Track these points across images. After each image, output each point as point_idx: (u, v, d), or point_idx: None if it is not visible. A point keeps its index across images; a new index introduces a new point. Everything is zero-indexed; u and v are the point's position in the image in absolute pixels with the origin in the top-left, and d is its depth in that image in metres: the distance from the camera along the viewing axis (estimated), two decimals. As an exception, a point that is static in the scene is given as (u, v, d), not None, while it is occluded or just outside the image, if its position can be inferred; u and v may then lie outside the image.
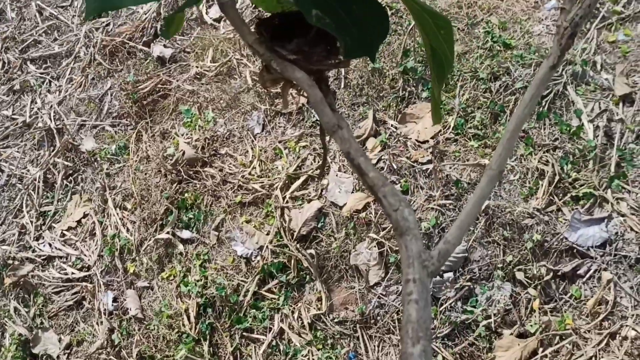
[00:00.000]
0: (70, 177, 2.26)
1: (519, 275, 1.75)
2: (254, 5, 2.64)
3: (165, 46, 2.58)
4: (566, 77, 1.97)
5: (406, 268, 0.40)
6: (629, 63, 1.98)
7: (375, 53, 0.57)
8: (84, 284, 1.97)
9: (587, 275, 1.72)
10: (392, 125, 2.03)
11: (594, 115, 1.92)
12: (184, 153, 2.12)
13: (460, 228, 0.44)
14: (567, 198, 1.82)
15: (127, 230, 2.03)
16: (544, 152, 1.88)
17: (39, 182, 2.26)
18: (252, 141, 2.15)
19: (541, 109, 1.95)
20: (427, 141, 1.97)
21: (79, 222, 2.12)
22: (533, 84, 0.49)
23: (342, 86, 2.16)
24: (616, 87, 1.94)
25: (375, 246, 1.86)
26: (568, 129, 1.90)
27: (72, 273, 1.98)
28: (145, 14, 2.76)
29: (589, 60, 1.99)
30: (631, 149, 1.85)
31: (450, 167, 1.91)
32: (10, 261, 2.05)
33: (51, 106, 2.50)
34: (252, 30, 0.56)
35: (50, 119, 2.43)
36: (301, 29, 0.57)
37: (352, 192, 1.95)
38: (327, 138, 0.59)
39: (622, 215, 1.77)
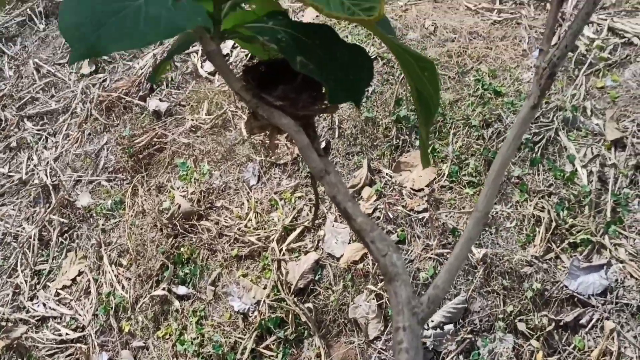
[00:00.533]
0: (66, 234, 2.25)
1: (521, 326, 1.72)
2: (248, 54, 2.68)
3: (161, 100, 2.61)
4: (557, 122, 1.99)
5: (396, 315, 0.39)
6: (618, 108, 2.00)
7: (361, 98, 0.57)
8: (79, 345, 1.93)
9: (590, 325, 1.70)
10: (386, 173, 2.03)
11: (587, 161, 1.93)
12: (179, 206, 2.12)
13: (450, 272, 0.44)
14: (564, 245, 1.81)
15: (123, 287, 2.01)
16: (539, 199, 1.88)
17: (34, 240, 2.25)
18: (248, 193, 2.15)
19: (534, 155, 1.96)
20: (423, 189, 1.97)
21: (74, 280, 2.09)
22: (515, 124, 0.50)
23: (337, 136, 2.18)
24: (607, 132, 1.95)
25: (373, 298, 1.83)
26: (562, 174, 1.90)
27: (67, 334, 1.95)
28: (142, 69, 2.80)
29: (579, 105, 2.01)
30: (626, 194, 1.85)
31: (446, 216, 1.90)
32: (3, 323, 2.02)
33: (47, 162, 2.51)
34: (239, 77, 0.57)
35: (46, 175, 2.43)
36: (287, 76, 0.58)
37: (349, 243, 1.94)
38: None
39: (621, 262, 1.75)
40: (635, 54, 2.08)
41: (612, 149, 1.93)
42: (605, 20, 2.20)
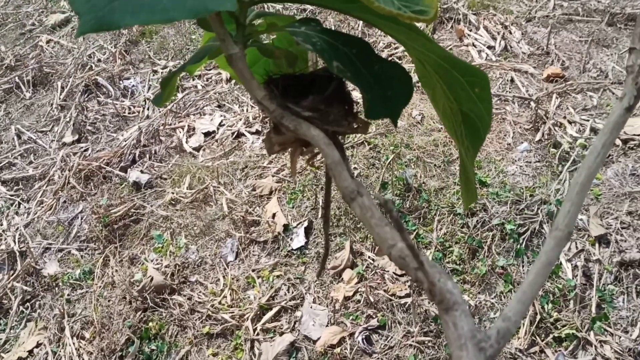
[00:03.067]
0: (28, 303, 2.12)
1: (505, 423, 1.63)
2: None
3: (142, 172, 2.57)
4: (542, 215, 1.99)
5: (458, 351, 0.32)
6: (601, 205, 2.02)
7: (398, 115, 0.53)
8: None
9: None
10: (369, 256, 1.99)
11: (571, 255, 1.92)
12: (152, 279, 2.03)
13: (523, 302, 0.37)
14: (549, 339, 1.75)
15: (83, 361, 1.87)
16: (523, 290, 1.84)
17: (-8, 306, 2.11)
18: (225, 269, 2.07)
19: (519, 246, 1.94)
20: (405, 274, 1.92)
21: (30, 352, 1.95)
22: (605, 129, 0.43)
23: (320, 216, 2.14)
24: (591, 228, 1.96)
25: (350, 386, 1.73)
26: (547, 267, 1.88)
27: (16, 410, 1.79)
28: (125, 140, 2.78)
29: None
30: (610, 290, 1.83)
31: (429, 302, 1.84)
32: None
33: (17, 228, 2.41)
34: (262, 86, 0.51)
35: (14, 241, 2.33)
36: (314, 91, 0.53)
37: (327, 326, 1.86)
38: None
39: None
40: (617, 154, 2.13)
41: (597, 245, 1.92)
42: (588, 120, 2.27)
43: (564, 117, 2.30)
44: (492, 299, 1.84)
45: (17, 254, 2.27)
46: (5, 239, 2.36)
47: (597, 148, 0.42)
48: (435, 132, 2.27)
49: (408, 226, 2.02)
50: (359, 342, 1.79)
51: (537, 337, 1.75)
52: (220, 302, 1.96)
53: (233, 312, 1.92)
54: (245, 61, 0.47)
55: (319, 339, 1.83)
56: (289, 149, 0.62)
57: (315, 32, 0.52)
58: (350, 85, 0.56)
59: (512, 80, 2.55)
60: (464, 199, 0.69)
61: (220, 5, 0.36)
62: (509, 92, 2.49)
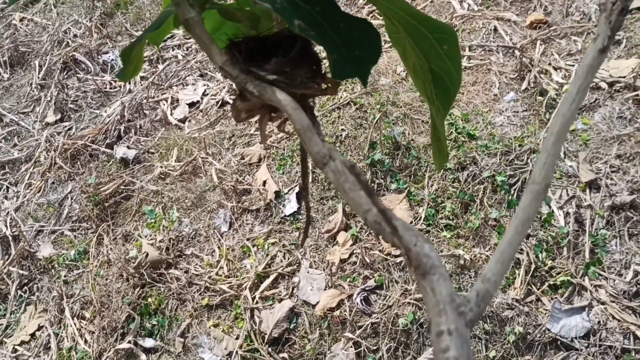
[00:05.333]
0: (25, 287, 2.12)
1: (505, 371, 1.66)
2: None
3: (128, 147, 2.54)
4: (531, 165, 1.99)
5: (436, 317, 0.31)
6: (590, 150, 2.02)
7: (367, 74, 0.50)
8: (35, 404, 1.80)
9: (575, 368, 1.65)
10: (362, 218, 1.99)
11: (562, 202, 1.93)
12: (147, 255, 2.03)
13: (502, 262, 0.34)
14: (545, 287, 1.77)
15: (85, 341, 1.88)
16: (517, 241, 1.85)
17: (-10, 293, 2.12)
18: (219, 240, 2.08)
19: (510, 197, 1.94)
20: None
21: (32, 335, 1.96)
22: (580, 73, 0.40)
23: (310, 180, 2.13)
24: (581, 174, 1.96)
25: (351, 346, 1.75)
26: (539, 216, 1.89)
27: (23, 393, 1.81)
28: (109, 117, 2.74)
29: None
30: (603, 235, 1.84)
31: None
32: (-47, 382, 1.87)
33: (7, 213, 2.39)
34: (224, 50, 0.49)
35: (6, 226, 2.32)
36: (279, 52, 0.50)
37: (325, 289, 1.87)
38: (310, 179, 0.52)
39: (602, 303, 1.72)
40: (603, 98, 2.12)
41: (587, 191, 1.93)
42: (573, 65, 2.25)
43: (549, 64, 2.28)
44: (487, 251, 1.85)
45: (10, 238, 2.26)
46: (-3, 224, 2.34)
47: (571, 94, 0.39)
48: (421, 88, 2.25)
49: (399, 184, 2.01)
50: (357, 304, 1.81)
51: (532, 286, 1.78)
52: (217, 273, 1.97)
53: (231, 282, 1.93)
54: (203, 25, 0.44)
55: (317, 303, 1.85)
56: (257, 116, 0.59)
57: (275, -9, 0.49)
58: (317, 45, 0.54)
59: (495, 30, 2.51)
60: (436, 159, 0.68)
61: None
62: (493, 42, 2.45)
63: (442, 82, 0.55)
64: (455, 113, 2.14)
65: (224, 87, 2.69)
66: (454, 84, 0.55)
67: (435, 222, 1.92)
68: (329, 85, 0.55)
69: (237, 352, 1.79)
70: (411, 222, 1.94)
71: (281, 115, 0.61)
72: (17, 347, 1.94)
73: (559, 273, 1.78)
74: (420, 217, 1.93)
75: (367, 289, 1.85)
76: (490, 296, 0.33)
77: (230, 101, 2.61)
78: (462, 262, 1.82)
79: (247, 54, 0.50)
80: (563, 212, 1.90)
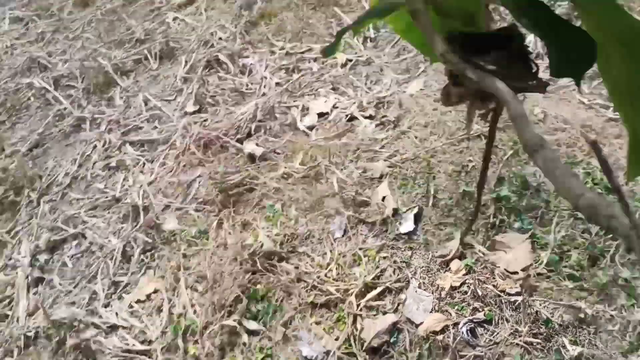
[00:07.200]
0: (148, 253, 2.28)
1: None
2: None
3: (257, 145, 2.68)
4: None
5: None
6: None
7: (581, 76, 0.54)
8: (143, 357, 1.90)
9: None
10: (479, 250, 1.98)
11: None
12: (262, 245, 2.12)
13: None
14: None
15: (195, 311, 1.99)
16: (644, 304, 1.77)
17: (117, 253, 2.28)
18: (332, 244, 2.13)
19: None
20: (517, 272, 1.89)
21: (148, 296, 2.09)
22: None
23: (430, 204, 2.16)
24: None
25: (450, 372, 1.74)
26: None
27: (133, 345, 1.93)
28: (242, 114, 2.90)
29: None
30: None
31: (540, 304, 1.81)
32: (75, 323, 2.02)
33: (141, 185, 2.58)
34: (444, 40, 0.55)
35: (138, 196, 2.50)
36: (493, 47, 0.55)
37: (431, 312, 1.87)
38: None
39: None
40: None
41: None
42: None
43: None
44: (612, 311, 1.77)
45: (141, 208, 2.44)
46: (131, 193, 2.54)
47: None
48: (559, 131, 2.22)
49: (523, 224, 1.99)
50: (462, 333, 1.79)
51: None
52: (326, 275, 2.02)
53: (338, 286, 1.98)
54: (428, 16, 0.50)
55: (421, 323, 1.85)
56: (466, 102, 0.64)
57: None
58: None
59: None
60: (632, 168, 0.68)
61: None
62: None
63: None
64: (593, 163, 2.09)
65: (354, 103, 2.78)
66: None
67: (558, 269, 1.87)
68: (539, 84, 0.59)
69: (334, 352, 1.82)
70: (531, 265, 1.90)
71: (487, 105, 0.66)
72: (134, 304, 2.08)
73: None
74: (542, 262, 1.89)
75: (475, 320, 1.83)
76: None
77: (360, 117, 2.69)
78: (581, 315, 1.75)
79: (463, 47, 0.56)
80: (695, 281, 1.80)
